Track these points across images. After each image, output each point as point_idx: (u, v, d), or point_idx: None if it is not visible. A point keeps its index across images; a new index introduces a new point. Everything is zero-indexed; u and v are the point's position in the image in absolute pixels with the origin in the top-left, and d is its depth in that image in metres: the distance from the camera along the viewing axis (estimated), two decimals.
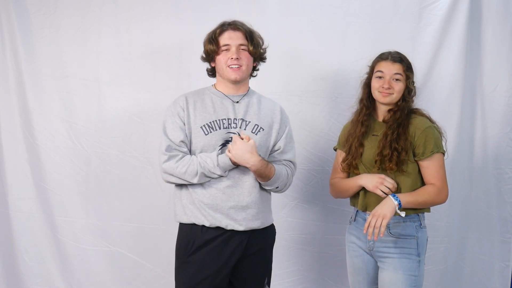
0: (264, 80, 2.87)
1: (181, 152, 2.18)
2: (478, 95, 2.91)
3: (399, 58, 2.30)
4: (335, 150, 2.52)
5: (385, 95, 2.28)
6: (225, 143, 2.18)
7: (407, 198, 2.18)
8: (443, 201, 2.26)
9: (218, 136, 2.19)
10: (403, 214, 2.18)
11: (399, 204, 2.16)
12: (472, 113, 2.91)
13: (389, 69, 2.28)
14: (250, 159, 2.11)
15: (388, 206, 2.15)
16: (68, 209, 2.99)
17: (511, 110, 2.88)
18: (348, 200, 2.44)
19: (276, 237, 2.37)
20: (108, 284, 3.02)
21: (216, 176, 2.14)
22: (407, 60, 2.31)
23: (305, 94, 2.90)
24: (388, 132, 2.24)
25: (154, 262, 2.97)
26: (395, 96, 2.28)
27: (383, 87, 2.27)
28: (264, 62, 2.36)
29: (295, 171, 2.36)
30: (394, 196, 2.18)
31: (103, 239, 3.00)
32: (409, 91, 2.29)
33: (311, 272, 2.98)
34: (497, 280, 2.97)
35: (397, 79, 2.27)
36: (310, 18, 2.88)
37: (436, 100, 2.83)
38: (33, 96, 2.96)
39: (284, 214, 2.93)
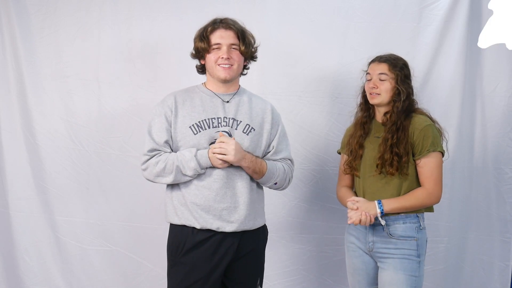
0: (264, 80, 2.89)
1: (164, 152, 2.17)
2: (478, 95, 2.90)
3: (385, 58, 2.28)
4: (339, 153, 2.52)
5: (373, 96, 2.27)
6: (214, 142, 2.14)
7: (392, 205, 2.19)
8: (435, 203, 2.26)
9: (207, 136, 2.15)
10: (383, 222, 2.20)
11: (382, 212, 2.18)
12: (472, 113, 2.91)
13: (374, 69, 2.28)
14: (240, 157, 2.10)
15: (370, 211, 2.18)
16: (68, 209, 2.99)
17: (511, 110, 2.88)
18: None
19: (276, 237, 2.36)
20: (108, 284, 3.02)
21: (190, 169, 2.10)
22: (398, 60, 2.28)
23: (305, 94, 2.90)
24: (388, 136, 2.23)
25: (154, 261, 2.96)
26: (384, 96, 2.26)
27: (370, 88, 2.27)
28: (255, 61, 2.31)
29: (293, 166, 2.33)
30: (379, 203, 2.19)
31: (103, 239, 3.00)
32: (399, 92, 2.25)
33: (311, 272, 2.98)
34: (497, 280, 2.97)
35: (382, 79, 2.25)
36: (310, 18, 2.88)
37: (436, 100, 2.83)
38: (33, 96, 2.96)
39: (284, 214, 2.93)
